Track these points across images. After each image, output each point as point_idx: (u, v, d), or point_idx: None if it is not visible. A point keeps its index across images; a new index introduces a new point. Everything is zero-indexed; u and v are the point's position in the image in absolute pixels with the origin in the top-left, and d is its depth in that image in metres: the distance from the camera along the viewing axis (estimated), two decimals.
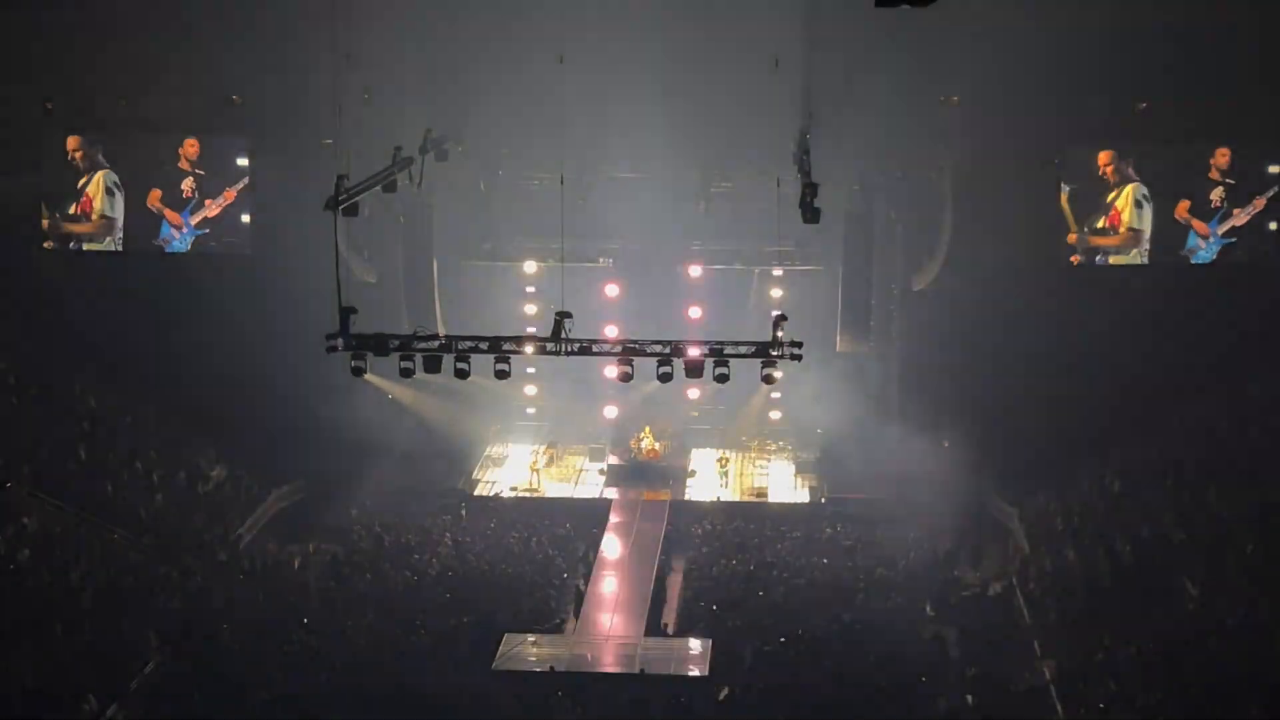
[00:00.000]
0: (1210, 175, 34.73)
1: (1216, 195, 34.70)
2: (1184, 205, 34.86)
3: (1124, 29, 32.17)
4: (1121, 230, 34.91)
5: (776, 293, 38.24)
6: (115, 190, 36.08)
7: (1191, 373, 33.04)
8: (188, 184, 36.22)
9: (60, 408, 32.88)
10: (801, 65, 26.62)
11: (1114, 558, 28.00)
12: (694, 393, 39.83)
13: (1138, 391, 33.37)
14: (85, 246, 36.23)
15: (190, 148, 36.15)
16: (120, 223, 36.16)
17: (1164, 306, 34.22)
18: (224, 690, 25.04)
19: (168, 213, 36.29)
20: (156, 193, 36.36)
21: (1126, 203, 34.71)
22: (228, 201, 36.23)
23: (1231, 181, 34.62)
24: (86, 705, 23.48)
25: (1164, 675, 23.36)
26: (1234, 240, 34.76)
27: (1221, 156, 34.67)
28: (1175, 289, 34.61)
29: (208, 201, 36.24)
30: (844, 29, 29.07)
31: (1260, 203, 34.60)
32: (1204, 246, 34.92)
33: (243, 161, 36.03)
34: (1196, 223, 34.83)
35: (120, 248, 36.28)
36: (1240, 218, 34.72)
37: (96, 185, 35.97)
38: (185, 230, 36.35)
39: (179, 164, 36.18)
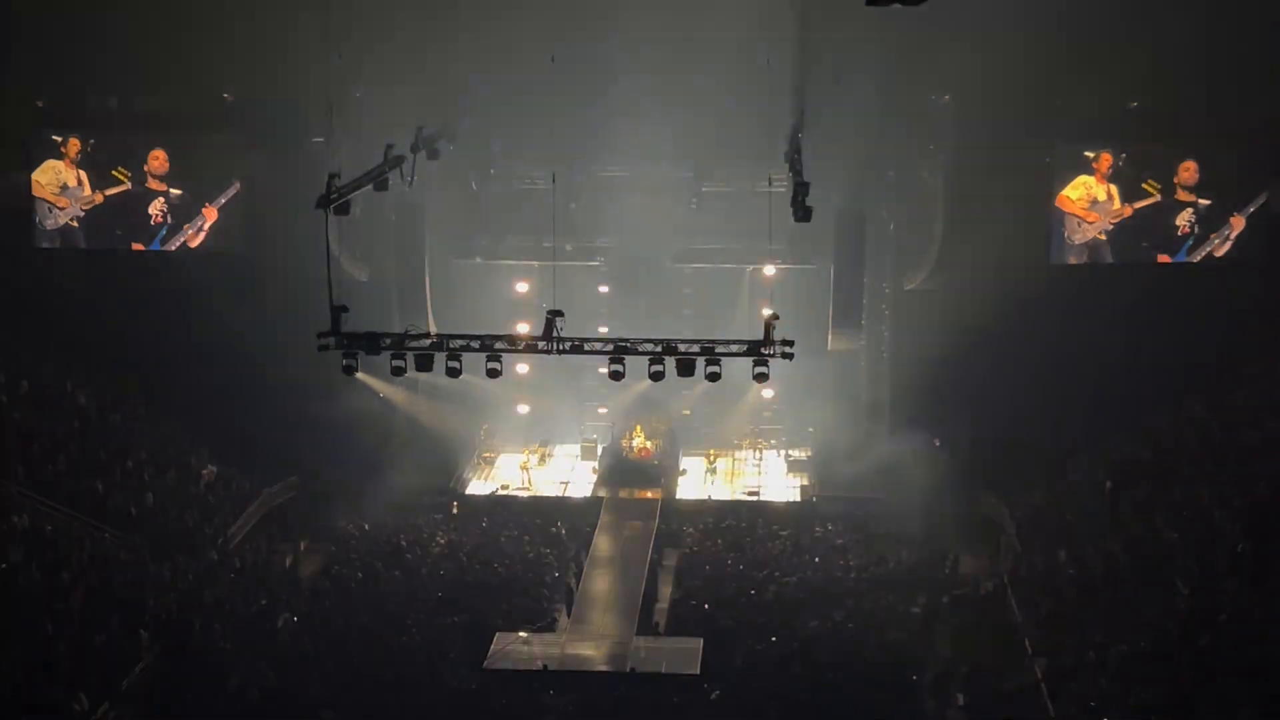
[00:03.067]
0: (1177, 196, 32.26)
1: (1184, 220, 32.42)
2: None
3: (1116, 28, 32.24)
4: None
5: (768, 291, 38.22)
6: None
7: (1182, 371, 33.09)
8: (156, 206, 34.02)
9: (51, 406, 32.77)
10: (793, 64, 26.65)
11: (1106, 556, 28.03)
12: (686, 391, 39.80)
13: (1129, 390, 33.42)
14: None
15: (156, 161, 33.72)
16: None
17: (1155, 306, 34.24)
18: (215, 689, 24.98)
19: (135, 248, 34.39)
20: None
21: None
22: (209, 221, 34.17)
23: (1207, 201, 31.75)
24: (77, 704, 23.38)
25: (1155, 674, 23.37)
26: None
27: (1186, 171, 31.88)
28: (1166, 288, 34.65)
29: (186, 228, 34.28)
30: (836, 28, 29.09)
31: (1239, 221, 31.78)
32: None
33: (230, 165, 35.01)
34: (1161, 258, 32.27)
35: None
36: (1218, 246, 31.58)
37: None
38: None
39: (146, 183, 34.01)
